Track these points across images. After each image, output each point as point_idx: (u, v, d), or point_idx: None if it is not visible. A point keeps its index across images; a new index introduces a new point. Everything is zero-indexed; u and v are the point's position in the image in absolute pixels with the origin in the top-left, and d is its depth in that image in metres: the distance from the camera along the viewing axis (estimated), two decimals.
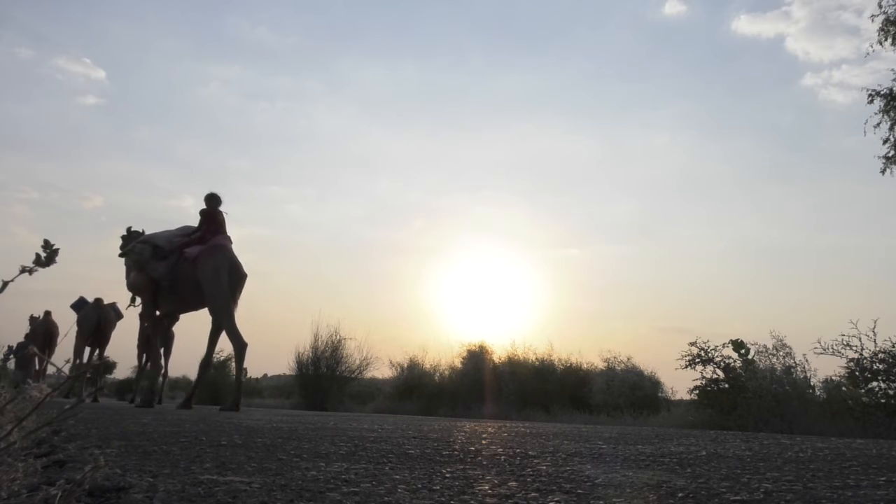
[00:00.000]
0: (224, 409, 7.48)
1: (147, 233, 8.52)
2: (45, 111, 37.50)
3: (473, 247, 32.36)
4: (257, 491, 1.46)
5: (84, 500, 1.27)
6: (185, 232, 8.20)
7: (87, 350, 10.95)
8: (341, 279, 32.49)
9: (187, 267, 7.66)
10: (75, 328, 10.61)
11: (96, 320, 10.65)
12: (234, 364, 7.94)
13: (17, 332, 15.39)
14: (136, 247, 7.90)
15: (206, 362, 8.08)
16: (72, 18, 36.52)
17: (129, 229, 8.95)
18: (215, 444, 2.57)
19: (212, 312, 7.71)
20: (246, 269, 8.00)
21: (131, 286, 8.27)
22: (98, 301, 10.86)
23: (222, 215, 8.19)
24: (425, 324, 26.16)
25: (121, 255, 8.29)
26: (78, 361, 10.62)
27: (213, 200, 8.19)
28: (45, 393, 1.16)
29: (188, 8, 37.55)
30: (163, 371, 10.26)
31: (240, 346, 7.56)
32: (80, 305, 10.86)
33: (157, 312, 8.32)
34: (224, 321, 7.60)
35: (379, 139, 38.61)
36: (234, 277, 7.66)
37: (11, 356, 13.45)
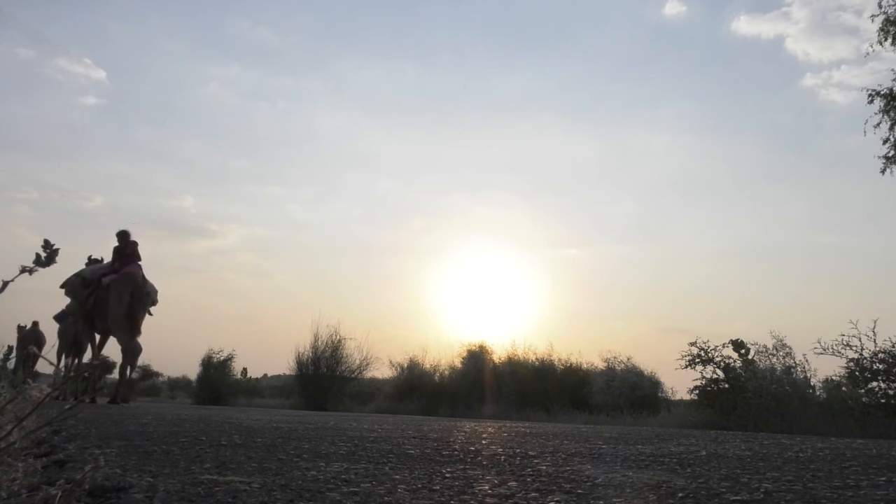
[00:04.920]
0: (111, 401, 9.07)
1: (105, 261, 10.26)
2: (45, 111, 37.29)
3: (473, 247, 32.20)
4: (257, 491, 1.46)
5: (84, 500, 1.27)
6: (108, 266, 9.90)
7: (72, 358, 12.33)
8: (341, 279, 32.36)
9: (102, 292, 9.45)
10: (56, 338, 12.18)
11: (73, 333, 11.83)
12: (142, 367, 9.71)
13: (14, 332, 15.49)
14: (69, 279, 9.73)
15: (95, 362, 9.49)
16: (72, 18, 36.32)
17: (90, 257, 10.50)
18: (215, 444, 2.57)
19: (112, 328, 9.44)
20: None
21: (69, 311, 10.07)
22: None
23: (132, 246, 9.73)
24: (425, 324, 26.09)
25: (60, 287, 9.89)
26: (60, 366, 11.74)
27: (122, 237, 9.71)
28: (45, 393, 1.16)
29: (188, 8, 37.30)
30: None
31: (134, 352, 9.24)
32: (61, 317, 12.22)
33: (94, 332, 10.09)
34: (120, 337, 9.21)
35: (379, 139, 38.43)
36: (137, 296, 9.28)
37: (9, 357, 14.07)
